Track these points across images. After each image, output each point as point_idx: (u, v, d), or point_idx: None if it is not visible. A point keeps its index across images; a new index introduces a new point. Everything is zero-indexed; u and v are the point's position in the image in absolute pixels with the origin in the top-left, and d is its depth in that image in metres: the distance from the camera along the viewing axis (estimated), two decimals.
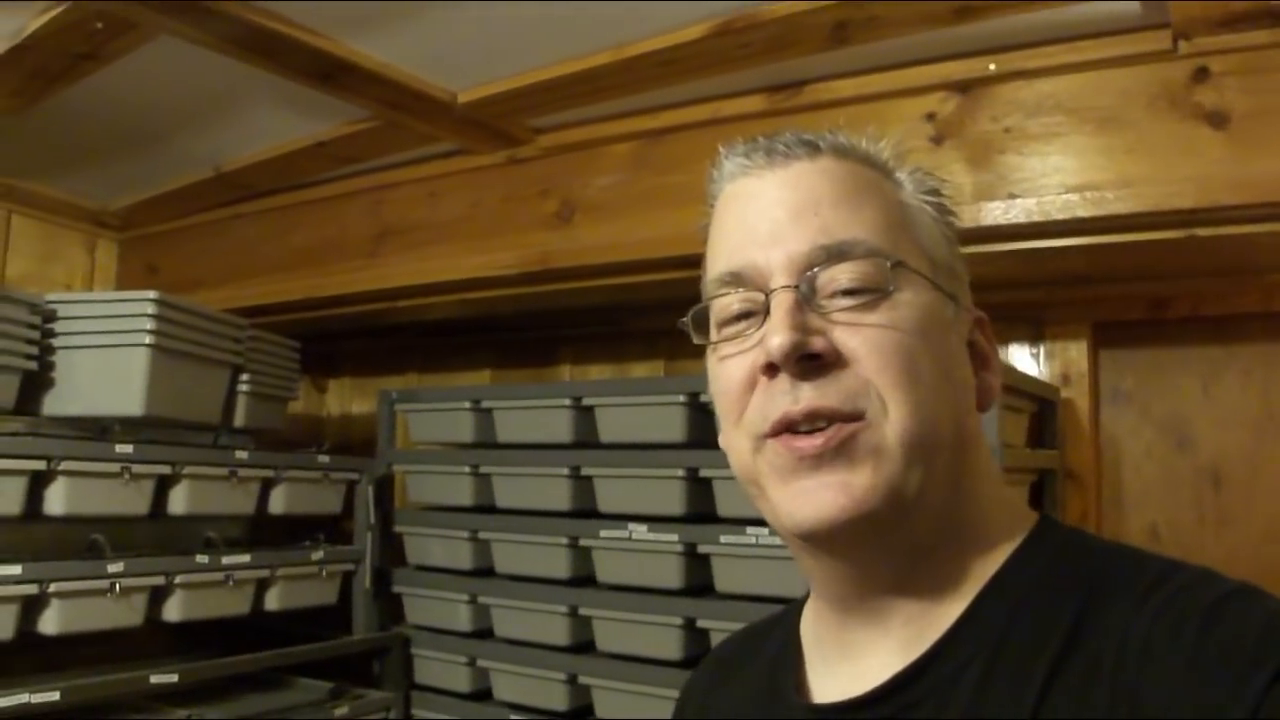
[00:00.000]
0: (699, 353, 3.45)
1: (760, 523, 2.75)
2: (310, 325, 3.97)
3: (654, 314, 3.72)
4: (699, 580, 2.99)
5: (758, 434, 1.12)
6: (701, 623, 2.91)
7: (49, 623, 2.70)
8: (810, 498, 1.08)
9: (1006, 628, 1.07)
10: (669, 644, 2.96)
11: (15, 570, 2.60)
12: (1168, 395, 3.20)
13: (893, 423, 1.07)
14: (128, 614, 2.90)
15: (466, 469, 3.48)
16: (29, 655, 2.90)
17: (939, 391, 1.12)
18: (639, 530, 3.06)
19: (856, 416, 1.07)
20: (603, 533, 3.13)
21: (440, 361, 4.61)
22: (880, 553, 1.13)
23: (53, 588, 2.67)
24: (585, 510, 3.24)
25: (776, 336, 1.07)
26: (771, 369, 1.10)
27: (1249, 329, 3.10)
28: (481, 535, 3.43)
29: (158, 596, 3.01)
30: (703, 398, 2.96)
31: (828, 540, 1.12)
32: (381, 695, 3.47)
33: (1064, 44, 2.51)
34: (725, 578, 2.91)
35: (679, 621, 2.94)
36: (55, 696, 2.57)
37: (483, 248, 3.38)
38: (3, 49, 2.69)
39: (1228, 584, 1.01)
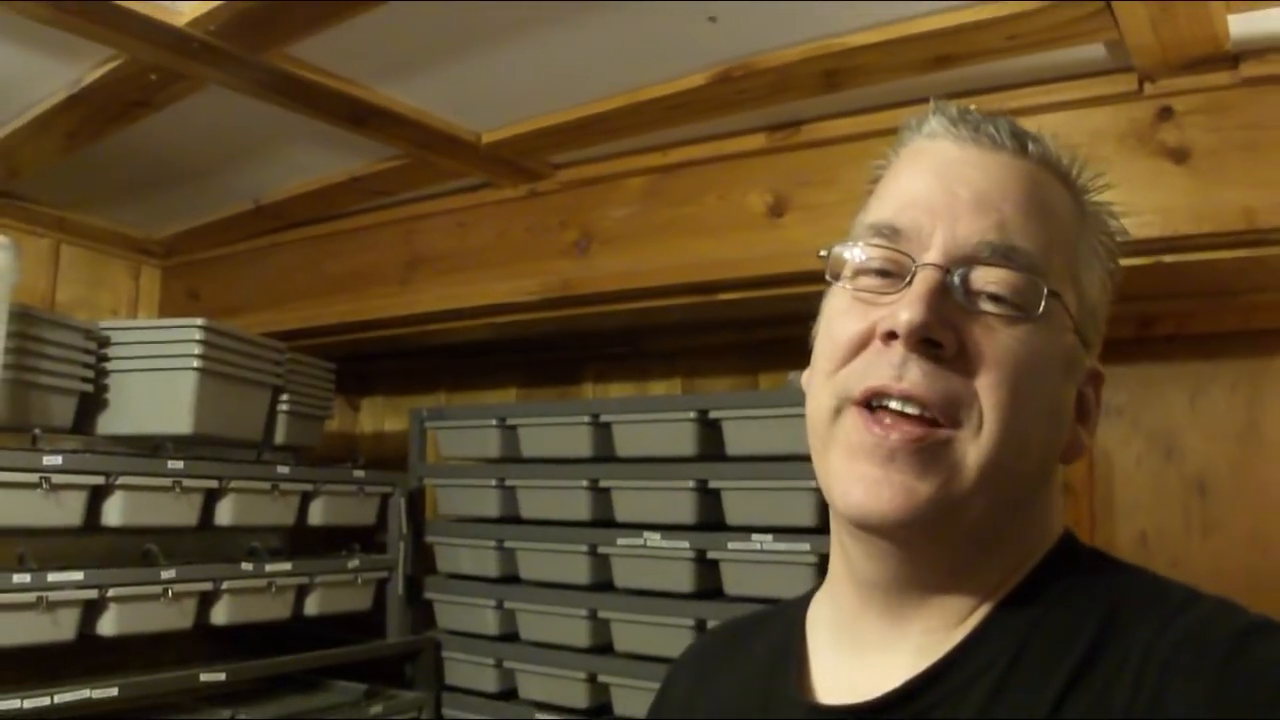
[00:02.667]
0: (715, 371, 3.65)
1: (765, 530, 2.93)
2: (345, 348, 4.11)
3: (671, 335, 3.87)
4: (709, 584, 3.14)
5: (846, 396, 1.09)
6: (712, 624, 2.96)
7: (107, 625, 2.84)
8: (870, 488, 1.05)
9: (1025, 639, 1.05)
10: (682, 644, 3.02)
11: (77, 576, 2.75)
12: (1156, 409, 3.29)
13: (981, 443, 1.04)
14: (179, 618, 3.04)
15: (493, 482, 3.61)
16: (84, 659, 3.02)
17: (1038, 431, 1.09)
18: (653, 538, 3.19)
19: (951, 421, 1.05)
20: (620, 541, 3.27)
21: (468, 381, 4.71)
22: (922, 554, 1.11)
23: (111, 593, 2.82)
24: (604, 520, 3.36)
25: (909, 311, 1.04)
26: (891, 336, 1.06)
27: (1232, 346, 3.20)
28: (507, 544, 3.56)
29: (206, 602, 3.15)
30: (712, 414, 3.13)
31: (873, 532, 1.09)
32: (414, 696, 3.61)
33: (1039, 86, 2.63)
34: (733, 581, 3.06)
35: (691, 623, 3.08)
36: (114, 692, 2.72)
37: (508, 274, 3.49)
38: (61, 97, 2.84)
39: (1252, 617, 0.99)
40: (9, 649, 2.67)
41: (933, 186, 1.11)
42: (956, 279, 1.06)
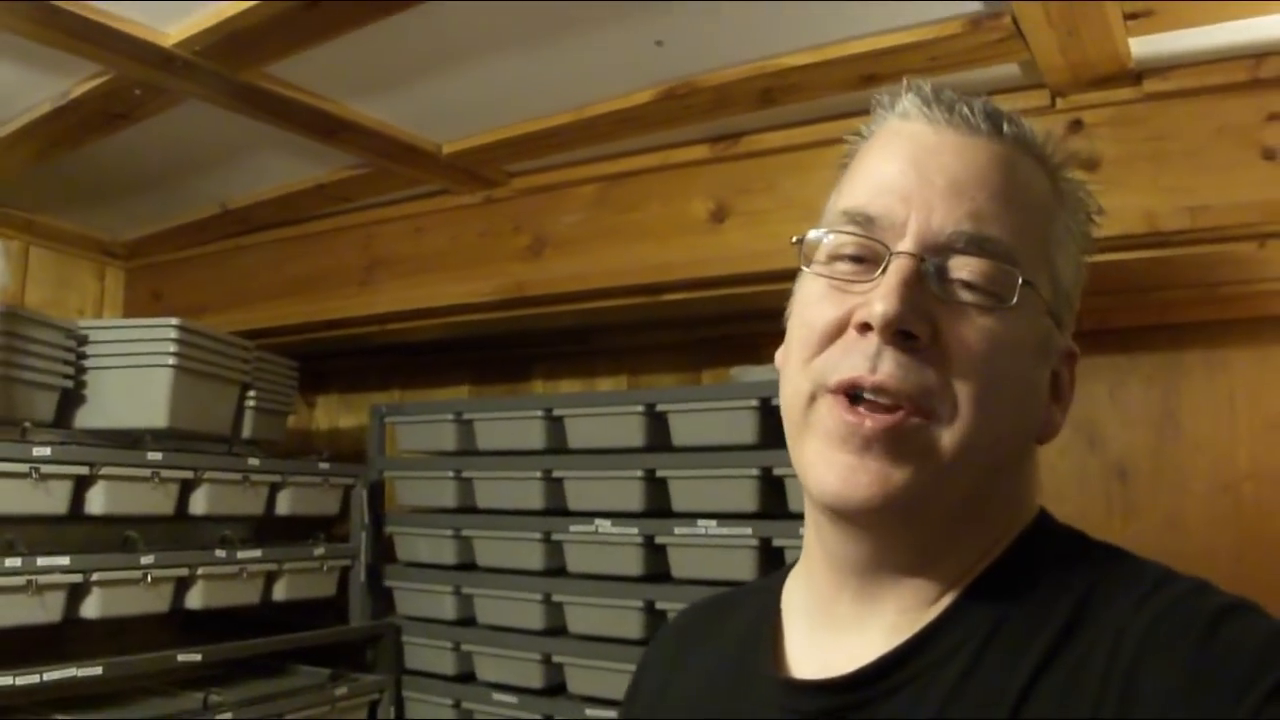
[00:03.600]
0: (660, 368, 3.80)
1: (709, 515, 3.07)
2: (304, 346, 4.21)
3: (619, 333, 4.01)
4: (657, 568, 3.29)
5: (821, 383, 1.08)
6: (660, 605, 3.19)
7: (91, 608, 2.97)
8: (847, 475, 1.04)
9: (1000, 617, 1.04)
10: (631, 624, 3.23)
11: (64, 561, 2.87)
12: (1079, 400, 3.29)
13: (955, 430, 1.03)
14: (156, 601, 3.17)
15: (450, 474, 3.76)
16: (66, 643, 3.12)
17: (1011, 416, 1.08)
18: (604, 525, 3.33)
19: (924, 410, 1.04)
20: (572, 528, 3.41)
21: (422, 378, 4.80)
22: (897, 538, 1.10)
23: (94, 577, 2.95)
24: (556, 508, 3.51)
25: (884, 304, 1.02)
26: (866, 328, 1.04)
27: (1150, 340, 3.35)
28: (464, 533, 3.70)
29: (182, 587, 3.27)
30: (659, 407, 3.29)
31: (848, 518, 1.09)
32: (375, 679, 3.74)
33: None
34: (680, 565, 3.21)
35: (640, 604, 3.22)
36: (98, 671, 2.84)
37: (463, 277, 3.61)
38: (47, 109, 2.96)
39: (1228, 597, 0.99)
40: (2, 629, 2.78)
41: (907, 172, 1.09)
42: (931, 268, 1.05)
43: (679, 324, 3.79)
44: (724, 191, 3.17)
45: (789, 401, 1.14)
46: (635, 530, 3.29)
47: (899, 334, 1.03)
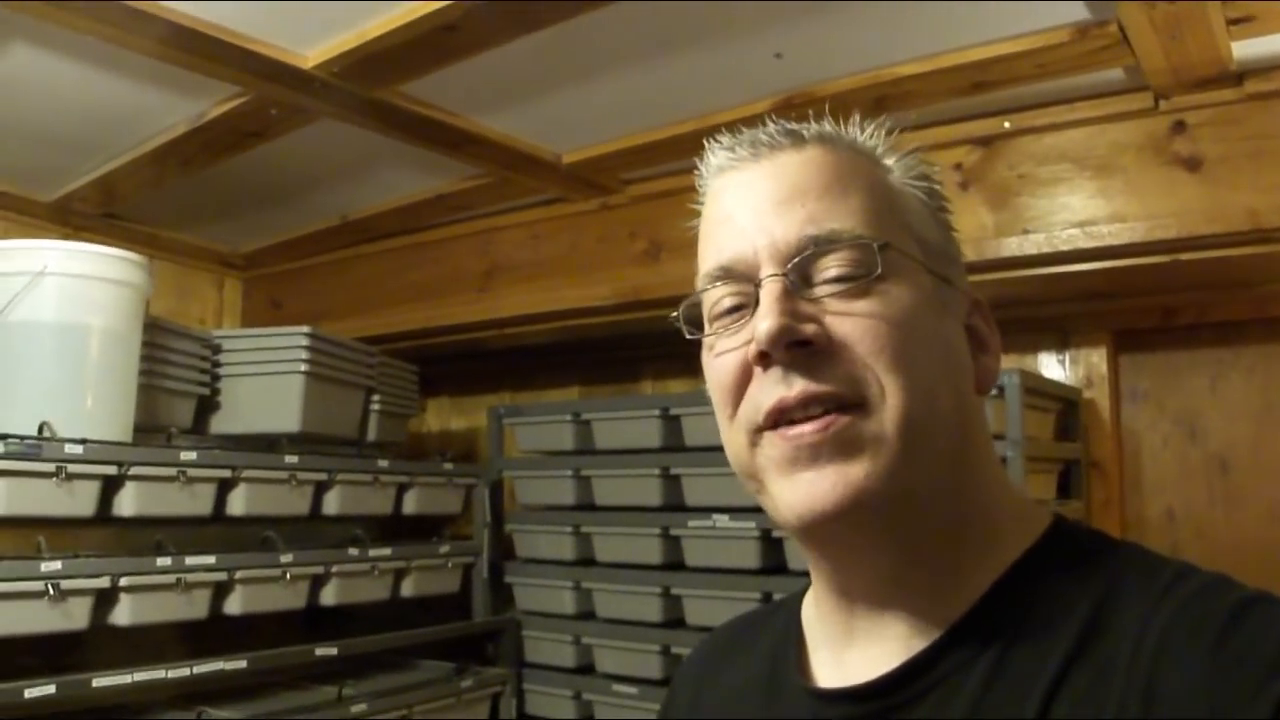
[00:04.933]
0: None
1: None
2: (419, 351, 4.31)
3: None
4: (773, 561, 3.35)
5: (753, 427, 1.09)
6: (777, 597, 3.22)
7: (234, 604, 3.11)
8: (809, 489, 1.03)
9: (1019, 623, 1.04)
10: None
11: (210, 560, 3.00)
12: (1180, 393, 3.48)
13: (890, 409, 1.03)
14: (294, 598, 3.31)
15: (568, 473, 3.84)
16: (207, 639, 3.23)
17: (936, 375, 1.08)
18: (722, 520, 3.40)
19: (856, 402, 1.04)
20: (690, 523, 3.48)
21: (531, 381, 4.89)
22: (881, 543, 1.09)
23: (238, 575, 3.08)
24: (674, 504, 3.59)
25: (765, 321, 1.03)
26: (764, 358, 1.05)
27: (1248, 333, 3.39)
28: (582, 530, 3.78)
29: (317, 584, 3.40)
30: None
31: (827, 531, 1.08)
32: (497, 672, 3.86)
33: (1065, 105, 2.87)
34: (795, 558, 3.27)
35: (757, 596, 3.28)
36: (244, 664, 3.00)
37: (580, 282, 3.71)
38: (182, 130, 3.08)
39: (1246, 590, 0.98)
40: (152, 625, 2.91)
41: (737, 214, 1.13)
42: (796, 278, 1.07)
43: None
44: None
45: (736, 458, 1.14)
46: (753, 524, 3.34)
47: (793, 346, 1.05)
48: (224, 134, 3.12)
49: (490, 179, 3.53)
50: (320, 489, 3.50)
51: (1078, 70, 2.65)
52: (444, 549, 3.90)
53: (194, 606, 3.01)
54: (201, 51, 2.58)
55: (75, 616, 2.72)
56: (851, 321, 1.05)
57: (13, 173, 3.63)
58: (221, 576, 3.06)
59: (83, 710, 2.90)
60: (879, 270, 1.06)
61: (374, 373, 3.84)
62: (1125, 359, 3.61)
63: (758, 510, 3.17)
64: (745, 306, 1.10)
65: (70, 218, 3.98)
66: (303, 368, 3.41)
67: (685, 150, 3.18)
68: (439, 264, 4.17)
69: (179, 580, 2.93)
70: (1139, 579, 1.03)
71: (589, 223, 3.76)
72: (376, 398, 3.90)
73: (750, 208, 1.12)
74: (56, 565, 2.65)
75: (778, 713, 1.21)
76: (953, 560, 1.10)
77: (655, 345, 4.34)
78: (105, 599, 2.81)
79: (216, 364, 3.44)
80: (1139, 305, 3.46)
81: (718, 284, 1.13)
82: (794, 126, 1.16)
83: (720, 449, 3.03)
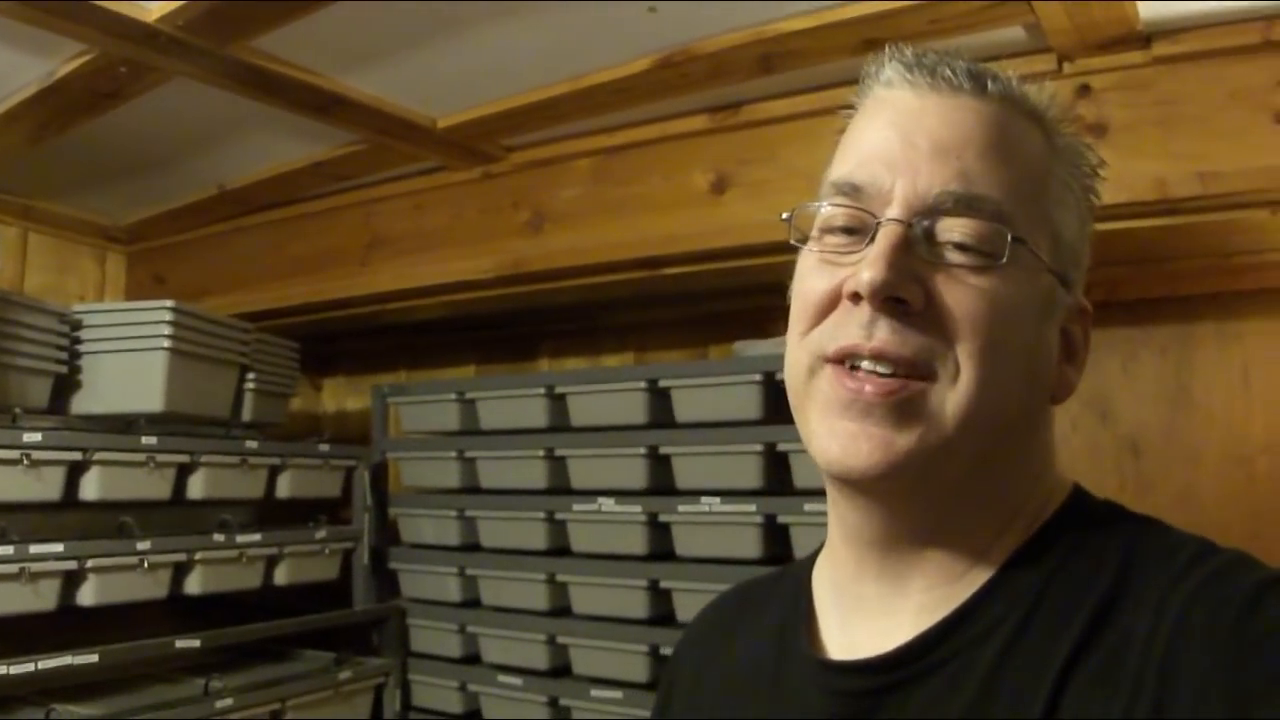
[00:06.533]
0: (666, 344, 3.77)
1: (713, 493, 3.05)
2: (307, 328, 4.18)
3: (624, 310, 3.97)
4: (661, 546, 3.24)
5: (819, 354, 1.08)
6: (664, 584, 3.15)
7: (87, 595, 2.93)
8: (848, 442, 1.04)
9: (1038, 596, 1.03)
10: (636, 604, 3.20)
11: (58, 548, 2.83)
12: (1090, 373, 3.28)
13: (958, 392, 1.03)
14: (153, 587, 3.13)
15: (453, 454, 3.72)
16: (64, 630, 3.04)
17: (1017, 375, 1.07)
18: (608, 503, 3.30)
19: (925, 374, 1.03)
20: (576, 507, 3.37)
21: (427, 359, 4.77)
22: (910, 508, 1.10)
23: (90, 564, 2.91)
24: (560, 487, 3.47)
25: (870, 271, 1.02)
26: (857, 297, 1.04)
27: (1161, 311, 3.30)
28: (467, 514, 3.66)
29: (180, 572, 3.23)
30: (662, 383, 3.24)
31: (856, 486, 1.09)
32: (380, 662, 3.72)
33: None
34: (684, 543, 3.17)
35: (644, 583, 3.19)
36: (94, 659, 2.80)
37: (463, 254, 3.58)
38: (33, 90, 2.93)
39: (1269, 570, 0.97)
40: None
41: (891, 139, 1.09)
42: (920, 232, 1.05)
43: (684, 299, 3.76)
44: (724, 162, 3.13)
45: (791, 374, 1.14)
46: (639, 508, 3.26)
47: (890, 300, 1.02)
48: (78, 95, 2.98)
49: (366, 146, 3.40)
50: (183, 472, 3.34)
51: (975, 28, 2.52)
52: (321, 534, 3.75)
53: (40, 597, 2.84)
54: (42, 5, 2.43)
55: None
56: (957, 295, 1.04)
57: None
58: (72, 565, 2.90)
59: None
60: (1004, 259, 1.04)
61: (248, 350, 3.66)
62: None
63: (644, 493, 3.10)
64: (857, 232, 1.09)
65: None
66: (166, 344, 3.22)
67: (563, 115, 3.14)
68: (320, 237, 4.05)
69: (22, 570, 2.77)
70: (1158, 556, 1.02)
71: (471, 192, 3.64)
72: (251, 376, 3.74)
73: (907, 137, 1.09)
74: None
75: (787, 684, 1.20)
76: (976, 537, 1.10)
77: (551, 322, 4.28)
78: None
79: (77, 340, 3.25)
80: None
81: (842, 199, 1.11)
82: (984, 71, 1.12)
83: (607, 429, 2.93)
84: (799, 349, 1.12)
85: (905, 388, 1.03)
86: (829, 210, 1.12)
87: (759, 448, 3.04)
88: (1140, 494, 3.29)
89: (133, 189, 4.05)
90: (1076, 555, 1.06)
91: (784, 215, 1.17)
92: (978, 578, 1.08)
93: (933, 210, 1.05)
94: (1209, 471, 3.22)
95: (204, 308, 3.57)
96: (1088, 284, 3.02)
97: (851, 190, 1.10)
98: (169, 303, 3.27)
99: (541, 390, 3.52)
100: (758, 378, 3.05)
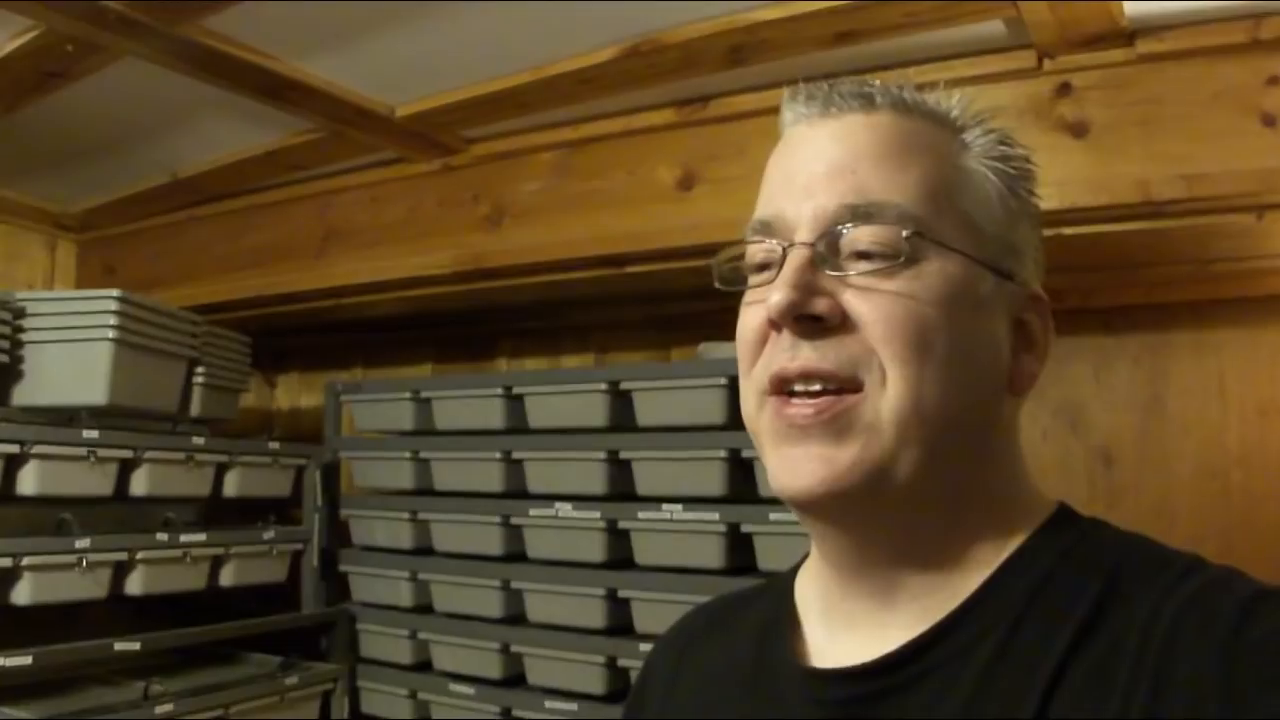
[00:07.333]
0: (628, 345, 3.70)
1: (675, 500, 2.97)
2: (261, 322, 4.10)
3: (586, 309, 3.90)
4: (620, 554, 3.17)
5: (760, 389, 1.10)
6: (623, 593, 3.09)
7: (21, 594, 2.86)
8: (795, 467, 1.05)
9: (1024, 607, 1.03)
10: (593, 613, 3.13)
11: None
12: (1062, 382, 3.36)
13: (889, 397, 1.03)
14: (93, 587, 3.05)
15: (407, 455, 3.64)
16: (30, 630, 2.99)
17: (953, 370, 1.06)
18: (565, 508, 3.23)
19: (853, 385, 1.04)
20: (532, 511, 3.30)
21: (384, 356, 4.72)
22: (875, 526, 1.10)
23: (25, 561, 2.84)
24: (516, 491, 3.39)
25: (777, 294, 1.04)
26: (775, 324, 1.07)
27: (1135, 319, 3.28)
28: (421, 516, 3.59)
29: (121, 571, 3.16)
30: (623, 385, 3.17)
31: (813, 510, 1.10)
32: (329, 667, 3.63)
33: (940, 62, 2.67)
34: (644, 551, 3.10)
35: (601, 592, 3.12)
36: (28, 661, 2.72)
37: (421, 249, 3.51)
38: None
39: (1259, 584, 0.98)
40: None
41: (791, 171, 1.13)
42: (824, 248, 1.07)
43: (648, 299, 3.69)
44: (692, 158, 3.07)
45: (747, 415, 1.16)
46: (597, 514, 3.19)
47: (805, 320, 1.05)
48: (23, 74, 2.89)
49: (322, 133, 3.32)
50: (126, 468, 3.26)
51: (953, 21, 2.47)
52: (269, 535, 3.68)
53: None
54: None
55: None
56: (870, 303, 1.05)
57: None
58: (7, 563, 2.82)
59: None
60: (903, 258, 1.05)
61: (198, 343, 3.58)
62: None
63: (605, 499, 3.01)
64: (773, 265, 1.10)
65: None
66: (111, 334, 3.14)
67: (526, 105, 3.07)
68: (275, 228, 3.96)
69: None
70: (1150, 566, 1.02)
71: (429, 185, 3.57)
72: (201, 370, 3.65)
73: (803, 167, 1.12)
74: None
75: (768, 692, 1.20)
76: (955, 548, 1.10)
77: (511, 320, 4.22)
78: None
79: (20, 329, 3.16)
80: None
81: (756, 238, 1.13)
82: (870, 87, 1.15)
83: (566, 432, 2.85)
84: (747, 388, 1.14)
85: (838, 403, 1.04)
86: (750, 250, 1.15)
87: (723, 454, 2.97)
88: (1111, 505, 3.26)
89: (83, 175, 3.97)
90: (1066, 564, 1.06)
91: (712, 261, 1.21)
92: (967, 587, 1.08)
93: (835, 223, 1.07)
94: (1182, 484, 3.20)
95: (155, 299, 3.50)
96: (1059, 289, 2.95)
97: (762, 228, 1.13)
98: (115, 292, 3.19)
99: (499, 390, 3.45)
100: (722, 381, 2.98)
